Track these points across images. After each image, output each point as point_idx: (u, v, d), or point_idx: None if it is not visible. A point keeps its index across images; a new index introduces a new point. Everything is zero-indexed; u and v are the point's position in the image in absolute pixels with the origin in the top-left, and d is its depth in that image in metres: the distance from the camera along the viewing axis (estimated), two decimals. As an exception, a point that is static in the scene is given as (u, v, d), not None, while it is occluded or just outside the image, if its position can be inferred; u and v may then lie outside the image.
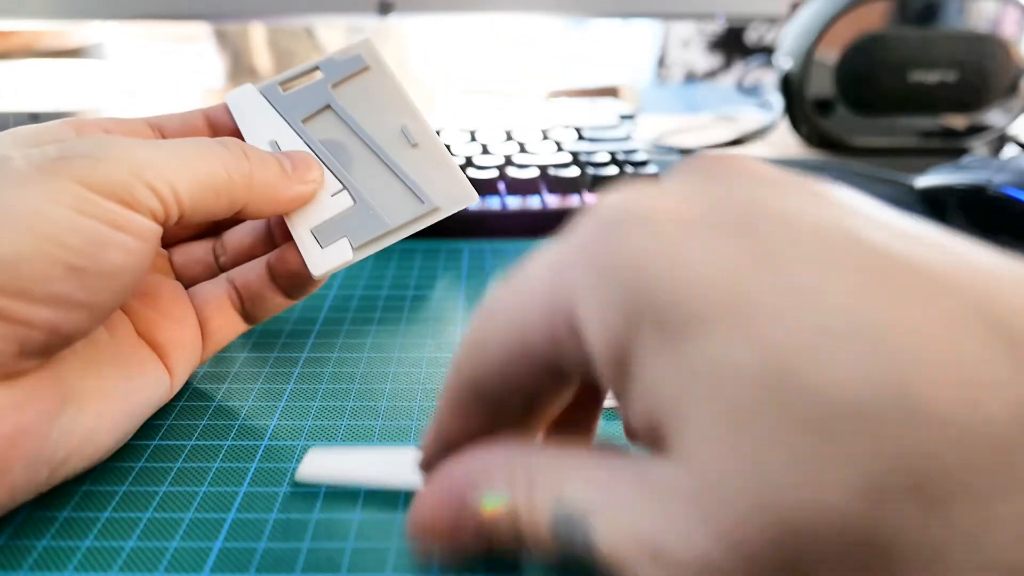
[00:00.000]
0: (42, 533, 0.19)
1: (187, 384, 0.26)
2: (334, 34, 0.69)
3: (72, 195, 0.17)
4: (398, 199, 0.24)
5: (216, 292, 0.25)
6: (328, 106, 0.25)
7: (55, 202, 0.17)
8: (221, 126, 0.25)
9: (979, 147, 0.56)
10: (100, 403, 0.20)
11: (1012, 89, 0.54)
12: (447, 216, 0.24)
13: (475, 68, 0.79)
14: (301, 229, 0.24)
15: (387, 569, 0.18)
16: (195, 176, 0.20)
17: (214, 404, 0.25)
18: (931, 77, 0.54)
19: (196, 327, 0.24)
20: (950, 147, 0.56)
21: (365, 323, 0.31)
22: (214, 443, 0.23)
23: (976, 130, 0.56)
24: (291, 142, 0.25)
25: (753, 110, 0.65)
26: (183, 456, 0.23)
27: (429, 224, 0.24)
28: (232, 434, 0.24)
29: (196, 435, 0.24)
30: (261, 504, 0.21)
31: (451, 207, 0.24)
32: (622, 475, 0.12)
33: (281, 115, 0.25)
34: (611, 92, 0.82)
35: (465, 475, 0.15)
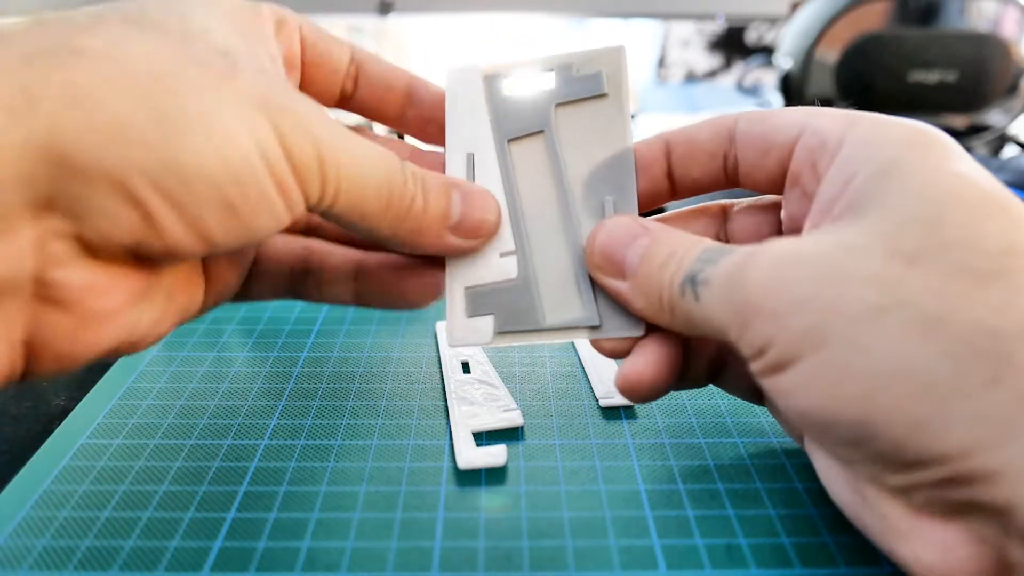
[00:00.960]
0: (42, 533, 0.19)
1: (188, 384, 0.26)
2: (334, 34, 0.69)
3: (266, 140, 0.16)
4: (563, 293, 0.21)
5: (285, 254, 0.23)
6: (542, 132, 0.22)
7: (250, 137, 0.16)
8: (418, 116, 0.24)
9: (979, 147, 0.56)
10: (165, 303, 0.19)
11: (1012, 89, 0.54)
12: (602, 338, 0.21)
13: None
14: (456, 284, 0.21)
15: (387, 569, 0.18)
16: (362, 185, 0.18)
17: (214, 403, 0.25)
18: (931, 77, 0.54)
19: (244, 273, 0.23)
20: (950, 147, 0.56)
21: (365, 323, 0.31)
22: (214, 442, 0.23)
23: (976, 130, 0.56)
24: (489, 166, 0.22)
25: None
26: (183, 455, 0.23)
27: (583, 339, 0.21)
28: (232, 433, 0.24)
29: (196, 434, 0.24)
30: (262, 503, 0.21)
31: (613, 331, 0.21)
32: (770, 241, 0.17)
33: (492, 123, 0.22)
34: (611, 92, 0.81)
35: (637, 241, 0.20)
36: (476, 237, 0.21)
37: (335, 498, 0.21)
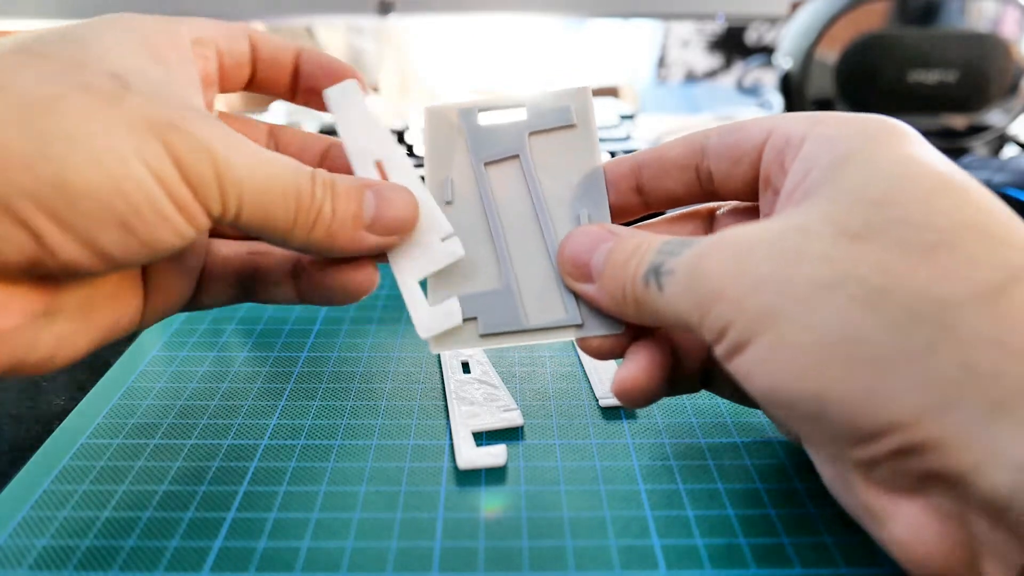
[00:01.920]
0: (42, 533, 0.19)
1: (188, 384, 0.26)
2: (334, 34, 0.69)
3: (156, 158, 0.16)
4: (545, 298, 0.22)
5: (229, 257, 0.24)
6: (517, 156, 0.23)
7: (139, 157, 0.16)
8: (336, 165, 0.24)
9: (979, 147, 0.56)
10: (77, 320, 0.19)
11: (1012, 89, 0.54)
12: (585, 335, 0.22)
13: (475, 68, 0.79)
14: (407, 276, 0.22)
15: (387, 569, 0.18)
16: (265, 196, 0.19)
17: (214, 403, 0.25)
18: (931, 77, 0.54)
19: (193, 283, 0.23)
20: (950, 147, 0.56)
21: (365, 323, 0.31)
22: (214, 442, 0.23)
23: (976, 130, 0.56)
24: (467, 186, 0.23)
25: (753, 110, 0.65)
26: (183, 455, 0.23)
27: (565, 339, 0.22)
28: (232, 433, 0.24)
29: (196, 434, 0.24)
30: (262, 503, 0.21)
31: (594, 329, 0.21)
32: (726, 230, 0.18)
33: (469, 149, 0.24)
34: (611, 92, 0.82)
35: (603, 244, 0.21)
36: (394, 234, 0.21)
37: (335, 498, 0.21)
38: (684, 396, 0.26)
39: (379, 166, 0.22)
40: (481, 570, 0.18)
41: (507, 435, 0.24)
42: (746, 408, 0.25)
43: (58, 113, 0.16)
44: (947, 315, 0.15)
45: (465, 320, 0.22)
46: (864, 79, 0.54)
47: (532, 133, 0.24)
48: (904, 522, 0.16)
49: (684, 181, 0.22)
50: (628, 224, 0.23)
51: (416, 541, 0.19)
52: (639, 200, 0.23)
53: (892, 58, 0.53)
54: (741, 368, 0.17)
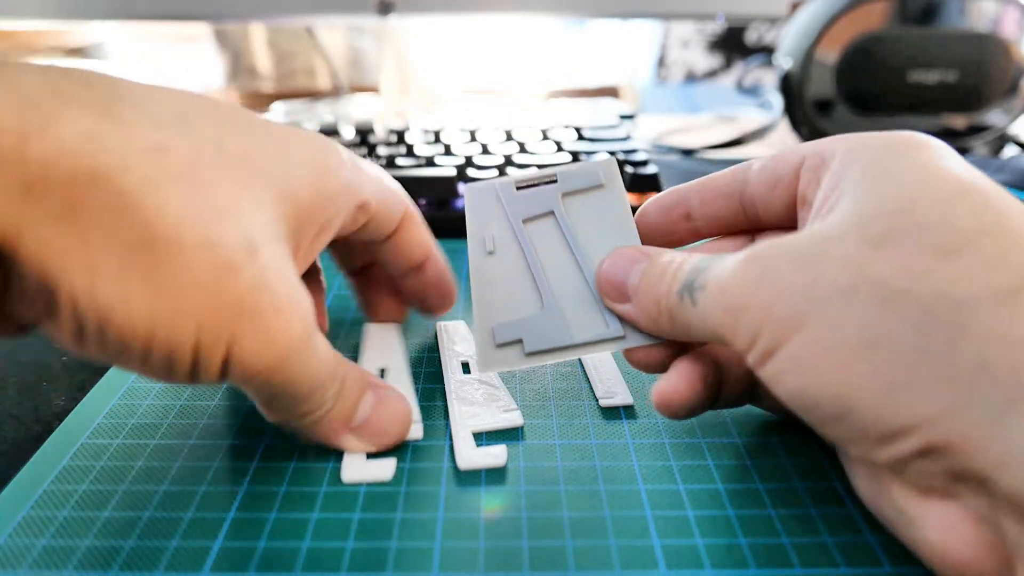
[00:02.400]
0: (42, 533, 0.19)
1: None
2: (334, 34, 0.69)
3: (212, 346, 0.17)
4: (585, 316, 0.23)
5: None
6: (552, 212, 0.26)
7: (193, 335, 0.17)
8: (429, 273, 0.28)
9: (979, 147, 0.56)
10: None
11: (1012, 89, 0.54)
12: (630, 347, 0.23)
13: (475, 68, 0.79)
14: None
15: (387, 569, 0.18)
16: (294, 389, 0.20)
17: (214, 403, 0.25)
18: (931, 77, 0.54)
19: None
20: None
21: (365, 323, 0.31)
22: (214, 442, 0.23)
23: (976, 130, 0.56)
24: (507, 240, 0.25)
25: (753, 110, 0.65)
26: (183, 455, 0.23)
27: (610, 351, 0.24)
28: (232, 433, 0.24)
29: (196, 434, 0.24)
30: (262, 503, 0.21)
31: (637, 340, 0.23)
32: (730, 256, 0.19)
33: (506, 211, 0.26)
34: (611, 92, 0.81)
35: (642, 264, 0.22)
36: (378, 442, 0.22)
37: (335, 498, 0.21)
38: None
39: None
40: (481, 570, 0.18)
41: (507, 435, 0.24)
42: (746, 408, 0.25)
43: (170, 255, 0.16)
44: (965, 314, 0.15)
45: (509, 344, 0.23)
46: (864, 79, 0.54)
47: (565, 194, 0.26)
48: (937, 524, 0.16)
49: (729, 207, 0.24)
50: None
51: (416, 541, 0.19)
52: (689, 226, 0.25)
53: (892, 58, 0.53)
54: (770, 373, 0.17)
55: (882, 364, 0.16)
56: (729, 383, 0.22)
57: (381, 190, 0.24)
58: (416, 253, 0.27)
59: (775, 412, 0.24)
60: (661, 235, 0.25)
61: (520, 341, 0.23)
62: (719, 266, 0.19)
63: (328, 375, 0.20)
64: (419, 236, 0.27)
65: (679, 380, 0.21)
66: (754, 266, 0.18)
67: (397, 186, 0.26)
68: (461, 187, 0.26)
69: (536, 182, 0.26)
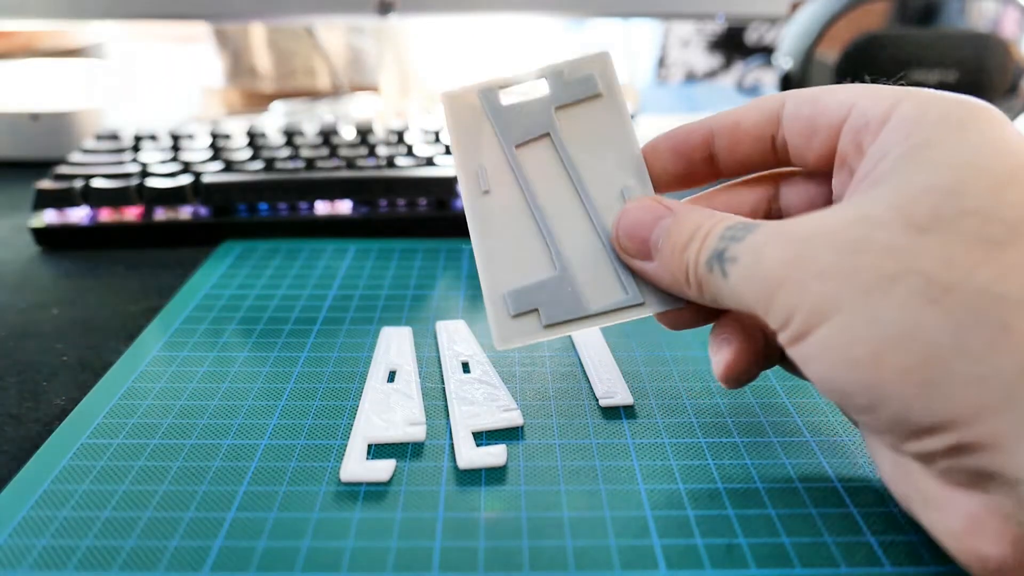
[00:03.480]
0: (42, 533, 0.19)
1: (188, 384, 0.26)
2: (334, 34, 0.69)
3: None
4: (601, 279, 0.22)
5: None
6: (547, 134, 0.23)
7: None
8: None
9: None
10: None
11: (1012, 89, 0.54)
12: (649, 315, 0.22)
13: (475, 68, 0.79)
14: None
15: (387, 569, 0.18)
16: None
17: (214, 403, 0.25)
18: (931, 77, 0.54)
19: None
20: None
21: (365, 323, 0.31)
22: (214, 442, 0.23)
23: (976, 130, 0.56)
24: (503, 175, 0.22)
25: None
26: (183, 455, 0.23)
27: (630, 319, 0.22)
28: (232, 433, 0.24)
29: (196, 434, 0.24)
30: (262, 503, 0.21)
31: (657, 306, 0.22)
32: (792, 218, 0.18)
33: (496, 133, 0.23)
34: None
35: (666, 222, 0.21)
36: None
37: (335, 498, 0.21)
38: (684, 395, 0.26)
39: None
40: (481, 570, 0.18)
41: (507, 435, 0.24)
42: (746, 408, 0.25)
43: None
44: (1009, 314, 0.14)
45: (525, 313, 0.22)
46: (864, 79, 0.54)
47: (558, 108, 0.23)
48: (961, 514, 0.16)
49: (760, 150, 0.22)
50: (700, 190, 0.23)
51: (416, 541, 0.19)
52: (711, 170, 0.23)
53: (892, 58, 0.53)
54: (801, 355, 0.17)
55: (918, 359, 0.15)
56: (772, 345, 0.22)
57: None
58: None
59: (802, 378, 0.23)
60: (675, 177, 0.23)
61: (536, 311, 0.22)
62: (751, 236, 0.18)
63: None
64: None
65: (739, 355, 0.21)
66: (790, 241, 0.17)
67: None
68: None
69: (521, 82, 0.23)
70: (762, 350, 0.21)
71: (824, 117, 0.20)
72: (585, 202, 0.22)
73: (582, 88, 0.23)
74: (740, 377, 0.21)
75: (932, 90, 0.19)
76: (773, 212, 0.23)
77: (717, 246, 0.19)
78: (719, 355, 0.21)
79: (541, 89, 0.23)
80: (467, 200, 0.23)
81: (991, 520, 0.15)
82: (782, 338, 0.18)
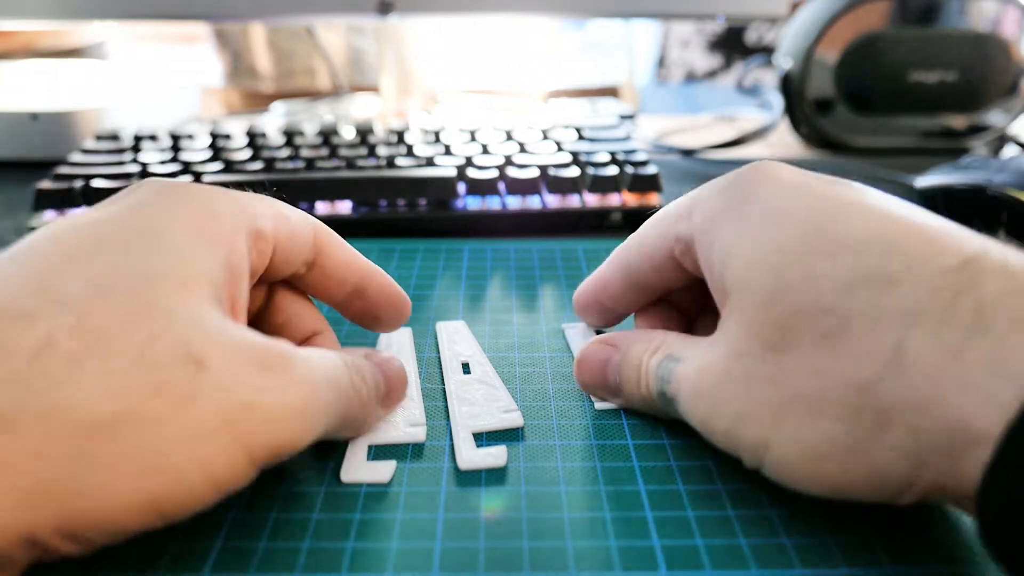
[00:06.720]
0: (42, 533, 0.19)
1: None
2: (334, 34, 0.69)
3: (227, 460, 0.17)
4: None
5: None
6: None
7: (205, 468, 0.17)
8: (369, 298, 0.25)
9: (979, 147, 0.56)
10: None
11: (1012, 89, 0.54)
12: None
13: (475, 68, 0.79)
14: (363, 441, 0.23)
15: (387, 569, 0.18)
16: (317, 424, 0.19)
17: (214, 404, 0.25)
18: (931, 77, 0.54)
19: None
20: (950, 147, 0.56)
21: (365, 323, 0.31)
22: (214, 443, 0.23)
23: (976, 130, 0.56)
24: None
25: (753, 110, 0.65)
26: (183, 456, 0.23)
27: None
28: (232, 434, 0.24)
29: (196, 435, 0.24)
30: (262, 503, 0.21)
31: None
32: (700, 343, 0.21)
33: None
34: (611, 92, 0.81)
35: (610, 353, 0.24)
36: (394, 404, 0.24)
37: (335, 498, 0.21)
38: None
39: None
40: (481, 571, 0.18)
41: (507, 436, 0.24)
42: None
43: (118, 439, 0.15)
44: (873, 396, 0.16)
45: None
46: (864, 79, 0.54)
47: None
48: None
49: (639, 294, 0.26)
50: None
51: (416, 541, 0.19)
52: (616, 316, 0.28)
53: (892, 58, 0.53)
54: (770, 475, 0.19)
55: (846, 459, 0.17)
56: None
57: (276, 214, 0.22)
58: (347, 274, 0.24)
59: None
60: (602, 323, 0.28)
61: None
62: (677, 379, 0.21)
63: (335, 378, 0.20)
64: (344, 257, 0.24)
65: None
66: (702, 389, 0.20)
67: (296, 210, 0.23)
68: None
69: None
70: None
71: (653, 259, 0.24)
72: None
73: None
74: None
75: (711, 182, 0.22)
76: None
77: (659, 386, 0.22)
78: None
79: None
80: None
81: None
82: (746, 464, 0.20)
